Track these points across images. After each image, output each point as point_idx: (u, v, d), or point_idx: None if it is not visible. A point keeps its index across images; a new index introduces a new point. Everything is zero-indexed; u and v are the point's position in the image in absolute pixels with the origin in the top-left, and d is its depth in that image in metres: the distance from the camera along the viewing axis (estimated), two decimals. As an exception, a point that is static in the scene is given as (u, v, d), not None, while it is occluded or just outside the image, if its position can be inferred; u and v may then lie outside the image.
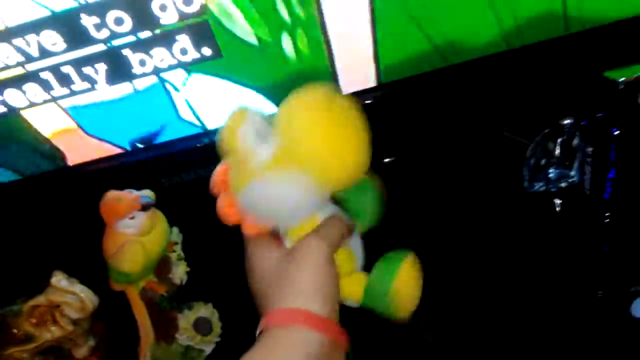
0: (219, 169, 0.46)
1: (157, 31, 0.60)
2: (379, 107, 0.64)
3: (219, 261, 0.72)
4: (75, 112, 0.67)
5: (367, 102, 0.63)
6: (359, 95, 0.63)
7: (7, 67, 0.62)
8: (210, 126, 0.67)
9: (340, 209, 0.48)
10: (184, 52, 0.61)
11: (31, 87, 0.64)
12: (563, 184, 0.66)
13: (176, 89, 0.66)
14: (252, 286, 0.47)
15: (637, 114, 0.60)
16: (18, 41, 0.60)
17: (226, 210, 0.46)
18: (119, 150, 0.68)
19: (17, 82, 0.63)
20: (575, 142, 0.64)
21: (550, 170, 0.66)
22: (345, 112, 0.42)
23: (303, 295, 0.41)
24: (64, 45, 0.60)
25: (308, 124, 0.41)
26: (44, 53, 0.61)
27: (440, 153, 0.69)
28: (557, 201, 0.67)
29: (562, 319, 0.66)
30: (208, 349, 0.73)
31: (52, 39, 0.60)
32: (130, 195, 0.62)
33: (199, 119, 0.67)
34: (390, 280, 0.44)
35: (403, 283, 0.45)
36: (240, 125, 0.43)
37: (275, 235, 0.47)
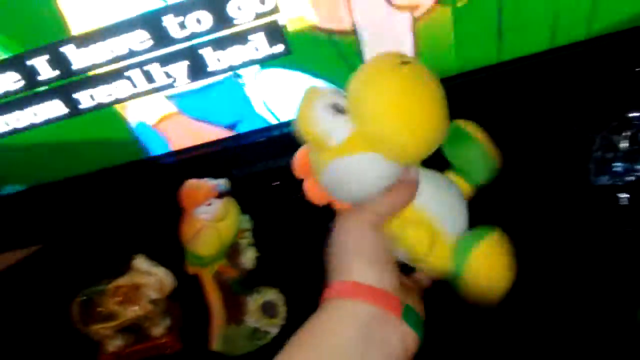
0: (300, 152, 0.45)
1: (233, 30, 0.64)
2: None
3: (286, 249, 0.76)
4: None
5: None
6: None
7: (99, 65, 0.67)
8: (281, 119, 0.70)
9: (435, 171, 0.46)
10: (257, 49, 0.65)
11: (120, 83, 0.69)
12: (630, 178, 0.66)
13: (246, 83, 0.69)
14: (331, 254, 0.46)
15: None
16: (110, 41, 0.66)
17: (311, 192, 0.45)
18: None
19: (107, 78, 0.69)
20: (644, 135, 0.63)
21: (617, 164, 0.65)
22: (413, 81, 0.39)
23: (351, 266, 0.41)
24: (150, 44, 0.65)
25: (373, 101, 0.39)
26: (132, 52, 0.66)
27: (513, 147, 0.70)
28: (624, 195, 0.66)
29: (628, 315, 0.66)
30: (274, 331, 0.76)
31: (140, 38, 0.65)
32: (208, 184, 0.66)
33: (270, 111, 0.71)
34: (468, 251, 0.41)
35: (483, 258, 0.41)
36: (310, 109, 0.41)
37: None
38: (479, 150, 0.45)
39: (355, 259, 0.41)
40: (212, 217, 0.68)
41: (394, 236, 0.43)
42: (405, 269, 0.46)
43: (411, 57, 0.41)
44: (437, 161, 0.45)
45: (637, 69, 0.64)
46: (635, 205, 0.65)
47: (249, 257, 0.76)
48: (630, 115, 0.63)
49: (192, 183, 0.67)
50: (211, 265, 0.73)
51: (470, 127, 0.46)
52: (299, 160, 0.45)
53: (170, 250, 0.73)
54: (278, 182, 0.74)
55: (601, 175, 0.66)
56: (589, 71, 0.64)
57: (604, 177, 0.66)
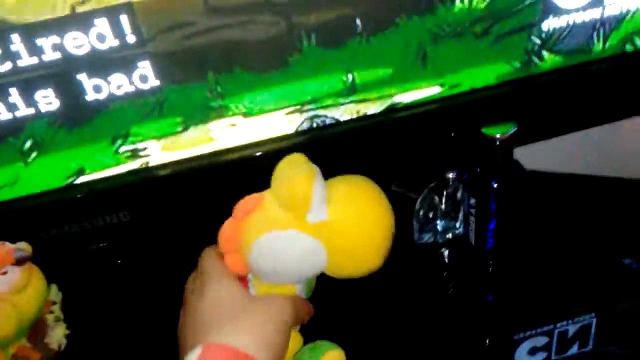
0: (228, 225, 0.46)
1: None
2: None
3: (103, 323, 0.69)
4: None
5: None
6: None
7: None
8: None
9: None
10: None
11: None
12: (450, 236, 0.70)
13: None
14: (196, 311, 0.46)
15: (513, 169, 0.66)
16: None
17: (233, 268, 0.47)
18: None
19: None
20: (460, 195, 0.68)
21: (438, 222, 0.69)
22: (381, 211, 0.47)
23: (249, 339, 0.42)
24: None
25: (357, 218, 0.45)
26: None
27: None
28: (446, 252, 0.70)
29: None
30: None
31: None
32: (2, 248, 0.58)
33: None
34: None
35: None
36: (310, 181, 0.43)
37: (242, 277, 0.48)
38: None
39: (261, 337, 0.43)
40: (8, 289, 0.58)
41: None
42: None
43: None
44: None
45: (452, 134, 0.70)
46: (455, 261, 0.69)
47: (57, 335, 0.66)
48: (448, 176, 0.68)
49: (-19, 248, 0.57)
50: (7, 348, 0.62)
51: None
52: (227, 233, 0.45)
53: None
54: (95, 246, 0.67)
55: (424, 234, 0.69)
56: (410, 134, 0.68)
57: (427, 235, 0.69)
